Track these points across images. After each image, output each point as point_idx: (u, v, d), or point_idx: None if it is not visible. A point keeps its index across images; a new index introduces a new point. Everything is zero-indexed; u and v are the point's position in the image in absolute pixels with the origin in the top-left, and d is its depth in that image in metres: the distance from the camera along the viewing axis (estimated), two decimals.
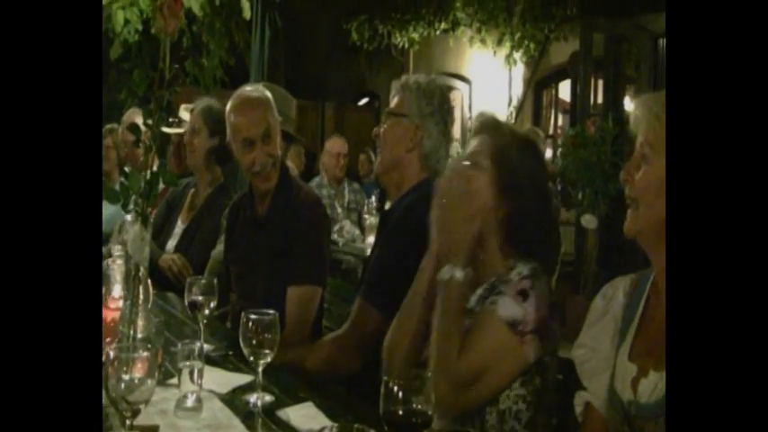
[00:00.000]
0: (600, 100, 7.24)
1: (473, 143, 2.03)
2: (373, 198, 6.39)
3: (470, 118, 8.64)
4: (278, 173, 2.81)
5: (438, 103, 2.51)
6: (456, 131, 8.26)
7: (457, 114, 8.90)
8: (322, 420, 1.78)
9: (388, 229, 2.51)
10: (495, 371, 1.80)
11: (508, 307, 1.80)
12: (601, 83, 7.21)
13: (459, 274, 1.84)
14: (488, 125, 2.06)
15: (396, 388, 1.36)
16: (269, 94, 2.86)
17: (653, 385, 1.59)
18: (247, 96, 2.84)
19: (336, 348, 2.40)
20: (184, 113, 3.98)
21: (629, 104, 7.30)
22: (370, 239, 5.11)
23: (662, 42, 6.62)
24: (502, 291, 1.84)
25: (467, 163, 1.98)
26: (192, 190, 3.70)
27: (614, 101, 7.07)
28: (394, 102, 2.57)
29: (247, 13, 5.41)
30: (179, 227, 3.61)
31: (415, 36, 8.90)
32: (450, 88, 9.20)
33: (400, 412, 1.35)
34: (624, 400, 1.65)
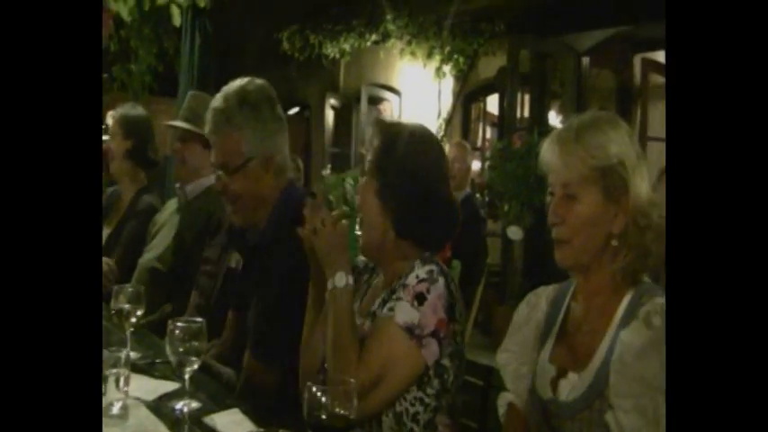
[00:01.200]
0: (526, 114, 7.41)
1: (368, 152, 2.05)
2: None
3: None
4: None
5: None
6: None
7: None
8: (248, 426, 1.80)
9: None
10: (393, 376, 1.82)
11: (405, 312, 1.82)
12: (527, 98, 7.39)
13: (351, 279, 1.90)
14: (378, 128, 2.04)
15: (319, 393, 1.40)
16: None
17: (571, 385, 1.68)
18: None
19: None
20: (111, 120, 3.95)
21: (554, 119, 7.49)
22: None
23: (585, 60, 6.82)
24: (400, 296, 1.85)
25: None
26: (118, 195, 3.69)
27: (540, 115, 7.25)
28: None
29: (177, 20, 5.36)
30: (105, 231, 3.58)
31: (346, 47, 8.94)
32: (381, 100, 9.28)
33: (323, 417, 1.39)
34: (545, 399, 1.74)
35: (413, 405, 1.87)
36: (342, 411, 1.41)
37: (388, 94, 9.17)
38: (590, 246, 1.68)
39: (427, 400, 1.88)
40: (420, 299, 1.83)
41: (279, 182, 2.43)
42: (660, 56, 7.36)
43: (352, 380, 1.51)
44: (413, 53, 8.41)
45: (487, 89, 8.44)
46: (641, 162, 1.70)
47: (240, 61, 10.25)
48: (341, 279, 1.87)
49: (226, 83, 2.47)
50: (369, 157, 2.01)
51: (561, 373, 1.72)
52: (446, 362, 1.88)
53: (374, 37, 8.67)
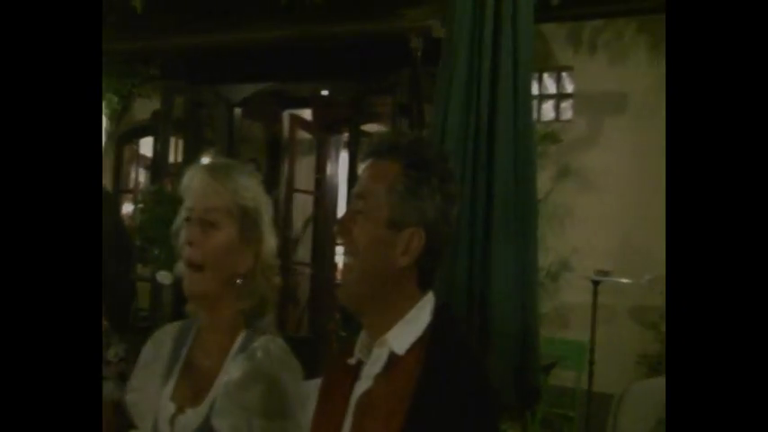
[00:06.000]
0: (180, 159, 7.47)
1: None
2: None
3: None
4: None
5: None
6: None
7: None
8: None
9: None
10: None
11: (113, 393, 1.93)
12: (181, 143, 7.47)
13: None
14: None
15: None
16: None
17: (186, 420, 1.78)
18: None
19: None
20: None
21: None
22: None
23: (237, 111, 7.09)
24: (106, 376, 1.95)
25: None
26: None
27: (193, 161, 7.35)
28: None
29: None
30: None
31: None
32: None
33: None
34: None
35: None
36: None
37: None
38: (219, 276, 1.78)
39: None
40: (123, 378, 1.98)
41: None
42: (306, 113, 7.89)
43: None
44: None
45: (142, 131, 8.35)
46: (269, 217, 1.87)
47: None
48: None
49: None
50: None
51: (179, 410, 1.81)
52: None
53: None
